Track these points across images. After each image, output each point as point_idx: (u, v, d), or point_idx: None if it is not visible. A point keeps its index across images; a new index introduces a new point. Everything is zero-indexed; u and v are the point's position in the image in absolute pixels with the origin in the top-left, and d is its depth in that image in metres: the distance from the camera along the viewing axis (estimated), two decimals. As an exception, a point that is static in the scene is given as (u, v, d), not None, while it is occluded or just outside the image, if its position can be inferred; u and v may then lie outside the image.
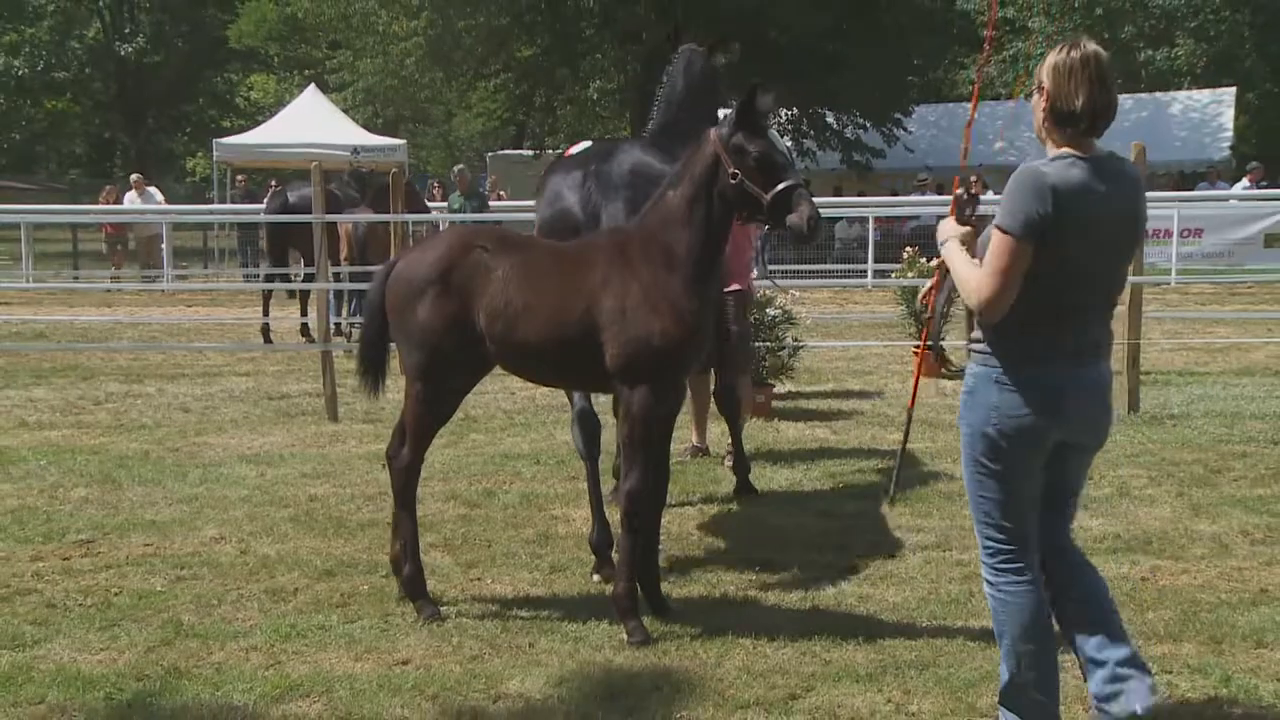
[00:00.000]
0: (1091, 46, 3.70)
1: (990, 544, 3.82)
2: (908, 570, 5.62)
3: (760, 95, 4.69)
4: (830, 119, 29.01)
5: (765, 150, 4.70)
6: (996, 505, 3.79)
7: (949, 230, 3.85)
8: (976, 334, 3.79)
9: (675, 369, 4.91)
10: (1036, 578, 3.84)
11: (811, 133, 29.24)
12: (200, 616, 5.12)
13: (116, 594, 5.41)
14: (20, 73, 43.72)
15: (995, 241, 3.59)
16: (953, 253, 3.79)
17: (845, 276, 20.31)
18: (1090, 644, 3.84)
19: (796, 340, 9.61)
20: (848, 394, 10.40)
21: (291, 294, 15.08)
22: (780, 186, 4.66)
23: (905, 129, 28.96)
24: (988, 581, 3.86)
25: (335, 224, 12.93)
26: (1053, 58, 3.73)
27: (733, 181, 4.69)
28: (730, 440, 7.62)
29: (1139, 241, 3.92)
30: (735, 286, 7.48)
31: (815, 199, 4.90)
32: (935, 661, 4.52)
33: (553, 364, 5.05)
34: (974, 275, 3.66)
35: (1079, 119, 3.64)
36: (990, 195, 23.46)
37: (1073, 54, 3.68)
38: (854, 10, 26.48)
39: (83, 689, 4.37)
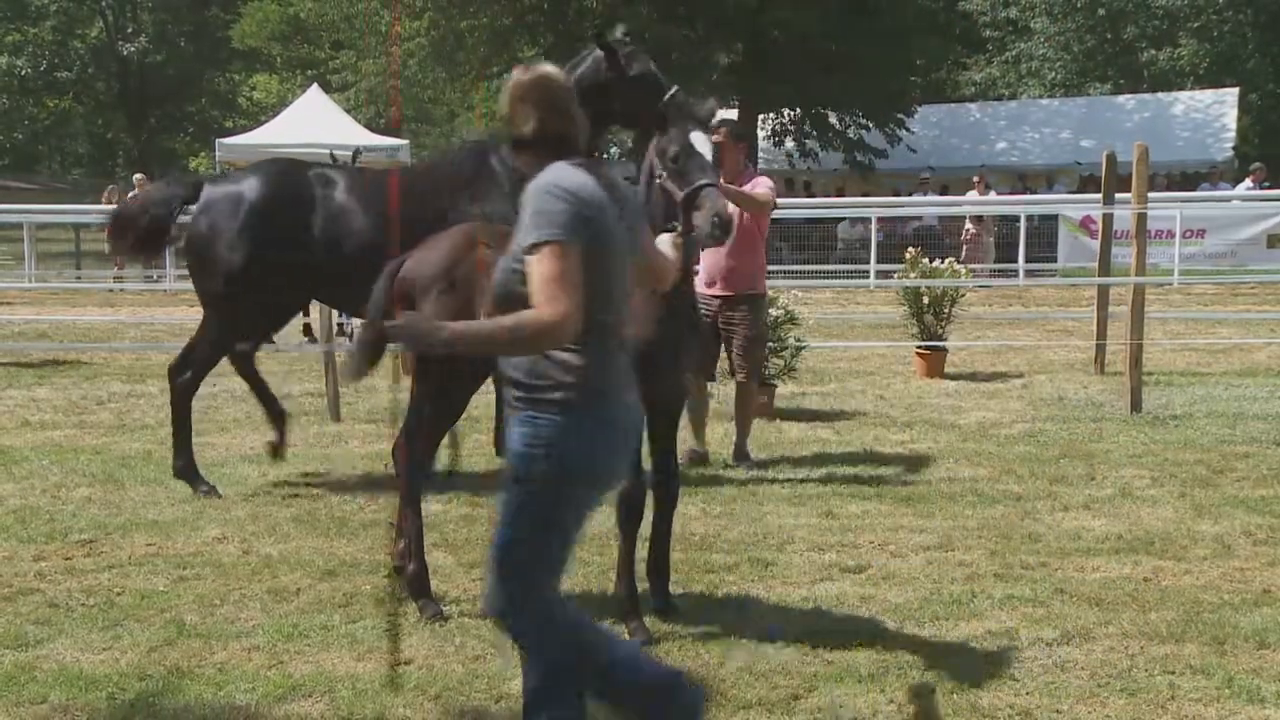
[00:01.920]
0: (544, 68, 3.49)
1: (541, 607, 3.41)
2: (910, 571, 5.61)
3: (680, 98, 4.65)
4: (833, 119, 29.00)
5: (682, 150, 4.63)
6: (560, 561, 3.43)
7: (432, 324, 3.39)
8: (544, 380, 3.31)
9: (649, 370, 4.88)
10: None
11: (814, 133, 29.23)
12: (203, 616, 5.12)
13: (119, 594, 5.41)
14: (23, 72, 43.93)
15: (545, 255, 3.19)
16: (463, 329, 3.43)
17: (848, 277, 20.33)
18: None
19: (799, 340, 9.62)
20: (850, 394, 10.39)
21: None
22: (691, 187, 4.54)
23: (908, 129, 28.94)
24: (539, 647, 3.42)
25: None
26: (511, 82, 3.47)
27: (657, 182, 4.66)
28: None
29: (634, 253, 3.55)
30: (751, 290, 7.50)
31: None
32: (938, 662, 4.52)
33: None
34: (521, 317, 3.18)
35: (534, 142, 3.41)
36: (992, 195, 23.50)
37: (524, 77, 3.45)
38: (855, 10, 26.46)
39: (85, 689, 4.37)
